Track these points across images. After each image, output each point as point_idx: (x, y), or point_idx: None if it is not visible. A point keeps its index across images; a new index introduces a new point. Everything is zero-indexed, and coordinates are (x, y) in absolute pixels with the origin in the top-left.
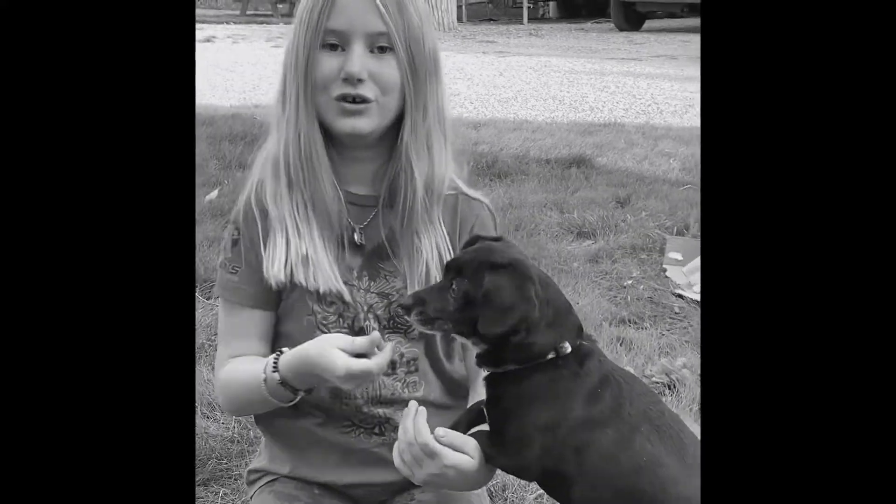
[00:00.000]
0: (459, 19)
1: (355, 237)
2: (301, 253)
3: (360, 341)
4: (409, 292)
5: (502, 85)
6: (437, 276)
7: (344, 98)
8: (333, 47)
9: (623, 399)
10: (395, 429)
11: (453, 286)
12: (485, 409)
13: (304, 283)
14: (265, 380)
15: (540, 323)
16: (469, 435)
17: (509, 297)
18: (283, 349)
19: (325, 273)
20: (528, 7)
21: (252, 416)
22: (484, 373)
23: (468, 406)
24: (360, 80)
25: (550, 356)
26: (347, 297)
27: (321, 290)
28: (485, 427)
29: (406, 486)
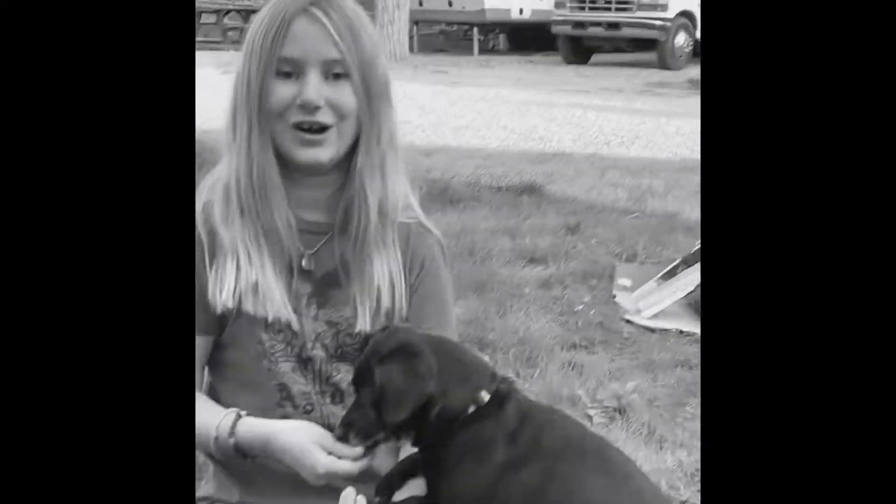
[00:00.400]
0: (411, 49)
1: (303, 263)
2: (251, 280)
3: (340, 449)
4: (360, 321)
5: (454, 114)
6: (387, 303)
7: (301, 125)
8: (287, 75)
9: (541, 433)
10: None
11: (361, 398)
12: (421, 471)
13: (252, 312)
14: (216, 438)
15: (448, 387)
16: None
17: (401, 383)
18: (243, 413)
19: (275, 301)
20: (479, 39)
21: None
22: None
23: (399, 460)
24: (316, 108)
25: (471, 409)
26: (296, 326)
27: (269, 319)
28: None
29: None
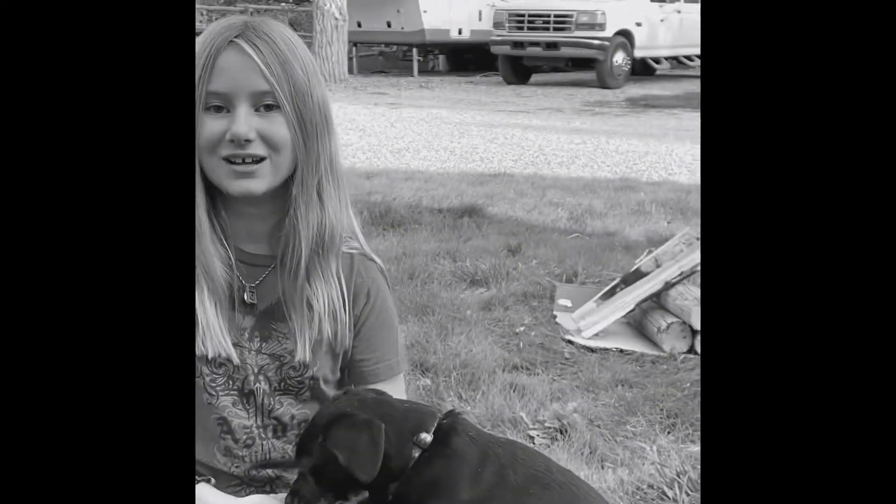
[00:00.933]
0: (350, 71)
1: (245, 297)
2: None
3: None
4: (300, 353)
5: (394, 136)
6: (328, 334)
7: (232, 159)
8: (218, 109)
9: (505, 469)
10: (286, 485)
11: (305, 469)
12: None
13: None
14: None
15: (391, 436)
16: None
17: (355, 438)
18: (211, 479)
19: (216, 338)
20: (419, 60)
21: None
22: None
23: None
24: (247, 141)
25: (416, 454)
26: (236, 360)
27: (209, 356)
28: None
29: None
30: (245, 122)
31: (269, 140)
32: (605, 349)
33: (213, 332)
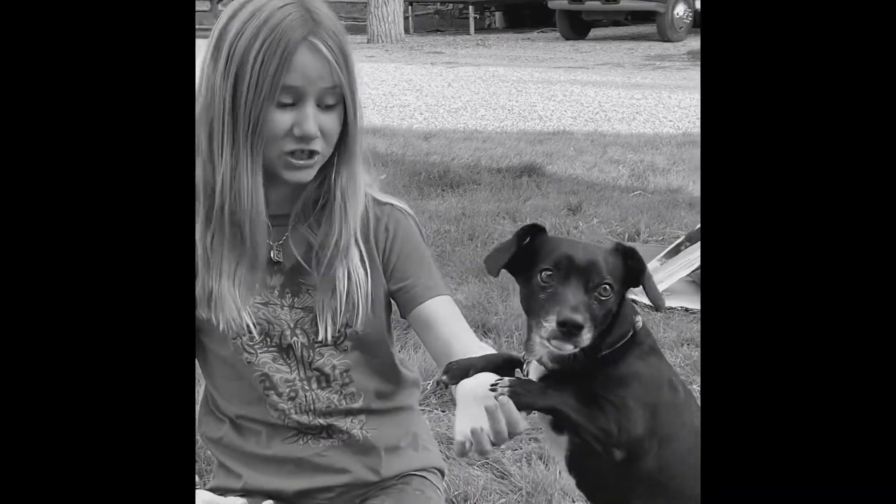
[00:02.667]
0: (406, 31)
1: (272, 255)
2: (207, 288)
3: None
4: (321, 331)
5: (452, 95)
6: (360, 290)
7: (294, 153)
8: (285, 104)
9: (690, 396)
10: (340, 431)
11: (598, 290)
12: (551, 390)
13: (205, 318)
14: None
15: (620, 298)
16: (554, 391)
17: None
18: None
19: (228, 310)
20: (475, 17)
21: (201, 437)
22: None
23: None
24: (314, 138)
25: (630, 333)
26: (252, 330)
27: (220, 329)
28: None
29: (363, 488)
30: (313, 119)
31: (327, 136)
32: (670, 308)
33: (226, 304)
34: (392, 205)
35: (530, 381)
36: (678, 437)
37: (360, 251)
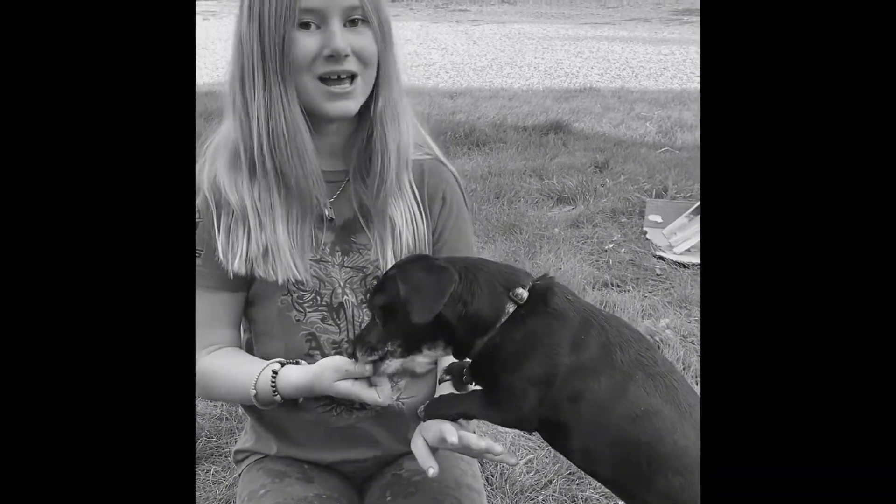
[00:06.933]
0: None
1: (325, 213)
2: (262, 245)
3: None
4: (383, 264)
5: (477, 53)
6: (409, 243)
7: (328, 77)
8: (307, 26)
9: (612, 345)
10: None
11: (375, 306)
12: (470, 374)
13: (263, 276)
14: (255, 395)
15: (474, 289)
16: (463, 396)
17: (424, 279)
18: (279, 362)
19: (285, 264)
20: None
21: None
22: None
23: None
24: (345, 56)
25: (510, 309)
26: (306, 278)
27: (279, 282)
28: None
29: (394, 458)
30: (342, 37)
31: (360, 55)
32: (698, 264)
33: (284, 258)
34: (448, 168)
35: (445, 395)
36: (590, 391)
37: (416, 197)
